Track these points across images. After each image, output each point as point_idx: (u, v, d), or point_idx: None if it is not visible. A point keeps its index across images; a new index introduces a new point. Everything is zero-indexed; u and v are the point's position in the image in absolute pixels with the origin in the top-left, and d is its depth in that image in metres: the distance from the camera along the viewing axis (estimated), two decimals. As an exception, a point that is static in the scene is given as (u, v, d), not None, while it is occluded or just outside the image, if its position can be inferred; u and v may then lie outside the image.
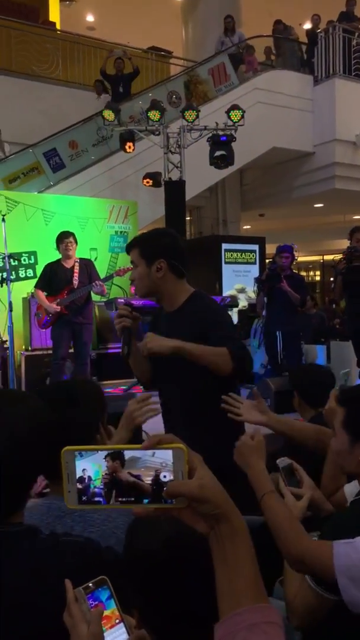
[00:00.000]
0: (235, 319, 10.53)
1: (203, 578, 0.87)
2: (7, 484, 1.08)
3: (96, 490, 0.77)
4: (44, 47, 11.85)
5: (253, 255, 12.73)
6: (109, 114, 8.25)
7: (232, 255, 12.46)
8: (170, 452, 0.76)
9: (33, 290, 6.41)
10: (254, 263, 12.67)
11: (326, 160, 11.60)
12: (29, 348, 7.06)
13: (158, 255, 2.32)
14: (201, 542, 0.80)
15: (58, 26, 14.53)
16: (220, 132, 8.26)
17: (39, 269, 6.67)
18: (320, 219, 16.19)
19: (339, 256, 6.21)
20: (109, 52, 10.69)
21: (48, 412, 1.23)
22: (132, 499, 0.77)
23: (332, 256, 10.35)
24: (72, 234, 6.15)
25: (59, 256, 6.17)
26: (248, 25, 12.51)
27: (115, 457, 0.76)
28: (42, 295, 6.06)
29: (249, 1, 13.38)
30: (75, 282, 6.00)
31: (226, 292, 11.42)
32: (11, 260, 6.02)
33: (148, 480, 0.76)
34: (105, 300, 7.40)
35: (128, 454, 0.76)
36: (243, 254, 12.59)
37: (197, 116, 8.21)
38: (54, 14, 15.21)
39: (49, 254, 6.87)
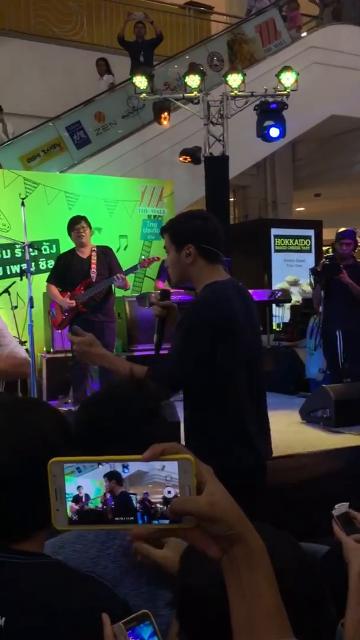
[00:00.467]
0: (287, 316, 10.46)
1: None
2: (35, 493, 1.10)
3: (95, 510, 0.76)
4: (65, 5, 11.98)
5: (308, 242, 12.61)
6: (140, 81, 8.29)
7: (283, 242, 12.37)
8: (175, 463, 0.75)
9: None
10: (309, 251, 12.56)
11: (394, 129, 11.42)
12: (51, 350, 7.15)
13: (187, 240, 2.43)
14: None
15: (82, -19, 14.65)
16: (270, 99, 8.20)
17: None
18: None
19: None
20: (128, 15, 10.58)
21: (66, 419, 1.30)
22: (131, 518, 0.76)
23: None
24: (84, 218, 6.08)
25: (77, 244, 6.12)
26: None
27: (111, 476, 0.76)
28: (55, 290, 6.03)
29: None
30: (93, 274, 5.94)
31: (276, 285, 11.33)
32: (30, 249, 6.06)
33: (157, 499, 0.75)
34: (137, 295, 7.43)
35: (133, 469, 0.75)
36: (296, 240, 12.49)
37: (243, 81, 8.17)
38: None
39: (72, 243, 6.94)
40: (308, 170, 13.68)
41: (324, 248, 12.05)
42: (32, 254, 6.32)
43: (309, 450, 4.67)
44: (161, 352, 2.63)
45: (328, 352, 6.90)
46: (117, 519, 0.76)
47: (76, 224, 6.00)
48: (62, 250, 7.55)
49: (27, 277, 5.71)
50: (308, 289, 11.89)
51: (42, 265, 7.77)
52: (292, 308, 10.43)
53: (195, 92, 8.22)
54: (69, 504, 0.76)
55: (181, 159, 8.58)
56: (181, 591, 0.97)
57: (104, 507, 0.76)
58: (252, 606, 0.75)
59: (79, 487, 0.76)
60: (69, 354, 6.48)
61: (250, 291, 8.56)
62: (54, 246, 7.88)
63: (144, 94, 8.48)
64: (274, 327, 10.24)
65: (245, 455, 2.41)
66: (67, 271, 6.01)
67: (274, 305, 9.75)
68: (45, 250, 7.75)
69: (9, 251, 7.68)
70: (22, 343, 6.77)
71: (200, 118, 8.39)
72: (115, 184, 8.65)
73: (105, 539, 1.40)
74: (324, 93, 10.59)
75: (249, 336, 2.46)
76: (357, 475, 4.23)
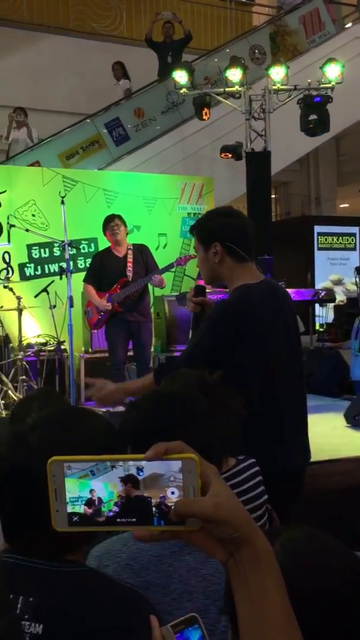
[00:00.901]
0: (331, 316, 10.37)
1: None
2: None
3: (109, 514, 0.75)
4: (105, 0, 12.08)
5: (352, 240, 12.48)
6: (180, 76, 8.31)
7: (326, 239, 12.27)
8: (179, 463, 0.74)
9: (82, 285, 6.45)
10: (354, 249, 12.43)
11: None
12: (89, 350, 7.22)
13: (213, 238, 2.44)
14: None
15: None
16: (314, 92, 8.14)
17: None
18: None
19: None
20: (155, 15, 10.57)
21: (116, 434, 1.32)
22: (133, 519, 0.75)
23: None
24: (118, 216, 6.12)
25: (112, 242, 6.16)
26: None
27: (127, 480, 0.75)
28: (92, 291, 6.07)
29: None
30: (130, 273, 5.97)
31: (319, 284, 11.25)
32: (69, 248, 6.14)
33: (172, 502, 0.74)
34: (177, 294, 7.45)
35: (148, 471, 0.74)
36: (340, 238, 12.37)
37: (286, 74, 8.12)
38: None
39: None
40: (353, 166, 13.53)
41: (370, 246, 11.91)
42: (71, 252, 6.39)
43: (354, 455, 4.62)
44: None
45: (374, 354, 6.82)
46: (118, 520, 0.75)
47: (110, 222, 6.05)
48: (101, 248, 7.62)
49: (66, 276, 5.78)
50: (353, 288, 11.75)
51: (81, 264, 7.84)
52: (336, 308, 10.33)
53: (236, 87, 8.20)
54: (82, 508, 0.76)
55: (222, 155, 8.57)
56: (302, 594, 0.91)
57: (115, 510, 0.75)
58: (261, 610, 0.74)
59: (91, 491, 0.75)
60: (107, 354, 6.54)
61: (293, 291, 8.56)
62: (92, 245, 7.95)
63: (184, 89, 8.50)
64: (317, 327, 10.15)
65: (280, 459, 2.40)
66: (104, 270, 6.06)
67: (317, 305, 9.67)
68: (83, 248, 7.82)
69: (47, 250, 7.78)
70: (61, 343, 6.88)
71: (241, 113, 8.37)
72: (155, 181, 8.69)
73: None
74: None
75: (277, 341, 2.44)
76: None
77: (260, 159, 8.28)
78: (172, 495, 0.74)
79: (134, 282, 5.93)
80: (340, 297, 10.89)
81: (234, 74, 8.11)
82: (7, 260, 7.64)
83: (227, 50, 10.39)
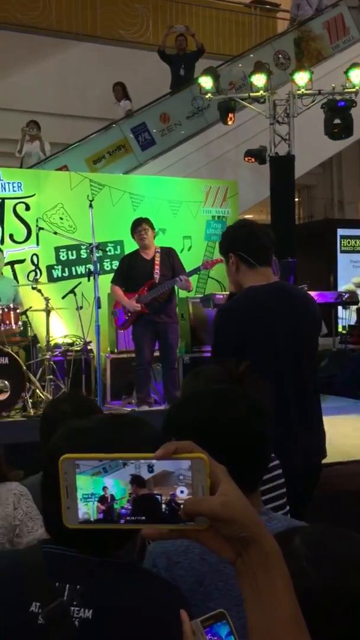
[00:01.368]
0: (353, 318, 10.29)
1: None
2: None
3: (122, 511, 0.75)
4: (132, 7, 12.13)
5: (375, 243, 12.38)
6: (206, 81, 8.32)
7: (349, 242, 12.19)
8: (188, 462, 0.74)
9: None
10: (377, 252, 12.33)
11: None
12: (115, 350, 7.26)
13: (228, 250, 2.65)
14: None
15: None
16: (338, 97, 8.11)
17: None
18: None
19: None
20: (168, 28, 10.46)
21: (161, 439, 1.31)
22: (143, 518, 0.75)
23: None
24: (146, 220, 6.17)
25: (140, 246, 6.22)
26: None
27: (133, 480, 0.74)
28: (120, 292, 6.13)
29: None
30: (157, 275, 6.01)
31: (342, 287, 11.16)
32: (96, 251, 6.18)
33: (182, 499, 0.74)
34: (201, 296, 7.46)
35: (158, 469, 0.74)
36: (363, 241, 12.28)
37: (310, 79, 8.10)
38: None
39: (136, 244, 7.03)
40: (376, 169, 13.43)
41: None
42: (98, 255, 6.44)
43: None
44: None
45: None
46: (128, 519, 0.75)
47: (138, 226, 6.10)
48: (127, 251, 7.66)
49: (93, 278, 5.81)
50: (375, 290, 11.67)
51: (107, 266, 7.89)
52: (359, 310, 10.25)
53: (261, 92, 8.20)
54: (95, 504, 0.75)
55: (246, 159, 8.57)
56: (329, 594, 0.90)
57: (128, 507, 0.75)
58: (269, 610, 0.74)
59: (104, 488, 0.75)
60: (133, 355, 6.57)
61: (316, 293, 8.52)
62: (118, 247, 7.99)
63: (209, 94, 8.51)
64: (340, 329, 10.08)
65: (290, 456, 2.40)
66: (131, 272, 6.10)
67: (339, 308, 9.61)
68: (110, 251, 7.87)
69: (74, 252, 7.84)
70: (88, 343, 6.92)
71: (265, 117, 8.36)
72: (179, 184, 8.71)
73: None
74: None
75: (283, 339, 2.54)
76: None
77: (284, 163, 8.26)
78: (182, 494, 0.74)
79: (160, 284, 5.97)
80: (363, 300, 10.79)
81: (259, 79, 8.11)
82: (36, 262, 7.72)
83: (252, 55, 10.39)
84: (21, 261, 7.65)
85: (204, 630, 0.97)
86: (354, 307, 9.93)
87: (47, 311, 6.55)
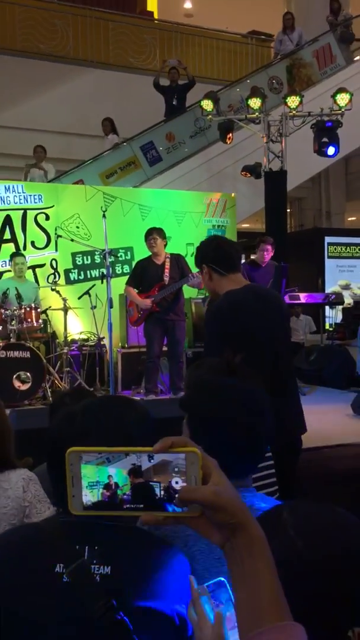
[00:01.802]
0: (339, 317, 10.28)
1: None
2: None
3: (124, 497, 0.75)
4: (141, 37, 12.12)
5: (359, 249, 12.35)
6: (207, 104, 8.30)
7: (335, 249, 12.17)
8: (183, 456, 0.74)
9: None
10: (360, 257, 12.31)
11: None
12: (125, 345, 7.25)
13: (201, 263, 2.78)
14: None
15: (155, 15, 14.77)
16: (326, 118, 8.08)
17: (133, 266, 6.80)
18: None
19: None
20: (163, 62, 10.42)
21: (151, 417, 1.32)
22: (141, 505, 0.75)
23: None
24: (156, 230, 6.23)
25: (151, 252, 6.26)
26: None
27: (130, 471, 0.74)
28: (133, 292, 6.17)
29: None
30: (166, 278, 6.07)
31: (329, 289, 11.15)
32: (109, 256, 6.18)
33: (179, 486, 0.74)
34: (202, 297, 7.46)
35: (158, 457, 0.74)
36: (348, 247, 12.27)
37: (301, 102, 8.07)
38: (152, 3, 15.49)
39: (145, 250, 7.02)
40: (360, 183, 13.39)
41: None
42: (110, 260, 6.44)
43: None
44: None
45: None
46: (128, 506, 0.75)
47: (149, 236, 6.17)
48: (136, 256, 7.67)
49: (106, 280, 5.82)
50: (359, 292, 11.65)
51: (119, 270, 7.89)
52: (344, 310, 10.25)
53: (256, 113, 8.17)
54: (100, 491, 0.75)
55: (243, 174, 8.55)
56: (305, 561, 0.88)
57: (130, 494, 0.75)
58: (254, 591, 0.73)
59: (109, 476, 0.75)
60: (143, 349, 6.57)
61: (306, 294, 8.46)
62: (128, 253, 7.99)
63: (210, 116, 8.49)
64: (327, 327, 10.08)
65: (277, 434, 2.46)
66: (144, 275, 6.15)
67: (327, 307, 9.60)
68: (121, 256, 7.86)
69: (89, 257, 7.84)
70: (101, 339, 6.92)
71: (261, 136, 8.34)
72: (183, 197, 8.69)
73: None
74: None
75: (261, 333, 2.61)
76: None
77: (277, 177, 8.24)
78: (176, 485, 0.74)
79: (169, 286, 6.03)
80: (348, 300, 10.79)
81: (255, 102, 8.09)
82: (55, 266, 7.72)
83: (248, 81, 10.37)
84: (41, 265, 7.66)
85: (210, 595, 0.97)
86: (339, 307, 9.94)
87: (65, 310, 6.56)
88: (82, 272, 7.85)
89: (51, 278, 7.57)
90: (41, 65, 10.86)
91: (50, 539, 1.18)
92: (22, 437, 2.28)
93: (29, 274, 7.23)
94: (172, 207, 8.44)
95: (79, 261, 7.85)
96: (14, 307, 6.12)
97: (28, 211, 7.65)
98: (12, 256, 6.90)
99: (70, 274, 7.80)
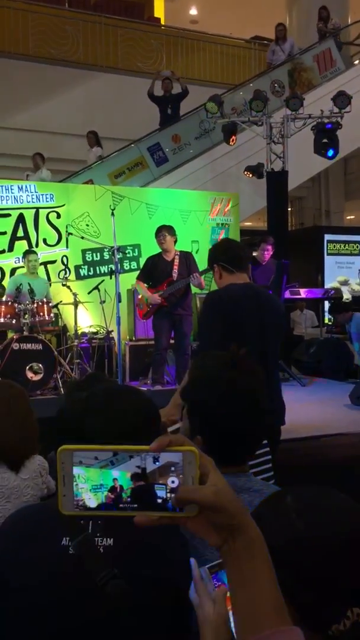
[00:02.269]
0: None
1: None
2: None
3: (129, 499, 0.70)
4: (148, 43, 12.06)
5: (357, 247, 12.31)
6: (212, 107, 8.26)
7: (335, 246, 12.12)
8: (180, 454, 0.69)
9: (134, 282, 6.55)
10: (358, 254, 12.26)
11: None
12: (133, 338, 7.25)
13: (213, 262, 2.91)
14: None
15: (162, 22, 14.70)
16: (326, 120, 8.02)
17: (142, 262, 6.81)
18: None
19: None
20: (156, 73, 10.26)
21: (156, 407, 1.32)
22: (135, 505, 0.70)
23: None
24: (165, 228, 6.21)
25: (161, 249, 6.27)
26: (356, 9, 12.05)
27: (133, 477, 0.70)
28: (144, 286, 6.19)
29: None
30: (175, 274, 6.07)
31: (328, 285, 11.12)
32: (117, 253, 6.18)
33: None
34: (206, 292, 7.44)
35: (163, 459, 0.69)
36: (347, 245, 12.21)
37: (302, 104, 8.02)
38: (159, 10, 15.42)
39: (152, 247, 7.00)
40: (359, 183, 13.31)
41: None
42: (119, 256, 6.44)
43: (358, 430, 4.58)
44: None
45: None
46: (120, 506, 0.70)
47: (158, 233, 6.19)
48: (144, 253, 7.66)
49: (115, 276, 5.82)
50: (357, 287, 11.61)
51: (126, 266, 7.88)
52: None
53: (259, 116, 8.13)
54: (105, 494, 0.70)
55: (246, 174, 8.52)
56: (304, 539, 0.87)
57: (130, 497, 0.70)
58: (253, 594, 0.69)
59: (114, 479, 0.70)
60: (150, 342, 6.58)
61: (306, 290, 8.46)
62: (136, 250, 7.98)
63: (214, 118, 8.45)
64: (326, 321, 10.05)
65: None
66: (154, 271, 6.16)
67: (326, 302, 9.57)
68: (129, 253, 7.85)
69: (98, 254, 7.84)
70: (110, 332, 6.93)
71: (263, 138, 8.30)
72: (189, 196, 8.67)
73: None
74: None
75: (251, 329, 2.68)
76: None
77: (279, 178, 8.20)
78: (172, 484, 0.69)
79: (177, 282, 6.03)
80: (346, 295, 10.75)
81: (257, 105, 8.04)
82: (65, 263, 7.72)
83: (251, 84, 10.30)
84: (53, 262, 7.66)
85: (211, 575, 0.97)
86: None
87: (75, 304, 6.56)
88: (91, 268, 7.85)
89: (62, 274, 7.58)
90: (53, 70, 10.82)
91: (57, 515, 1.17)
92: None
93: (41, 270, 7.23)
94: (178, 206, 8.41)
95: (89, 258, 7.85)
96: (27, 302, 6.13)
97: (40, 210, 7.65)
98: (25, 253, 6.90)
99: (80, 270, 7.80)
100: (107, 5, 12.52)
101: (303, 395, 6.24)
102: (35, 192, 7.67)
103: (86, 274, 7.81)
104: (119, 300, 5.85)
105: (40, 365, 5.98)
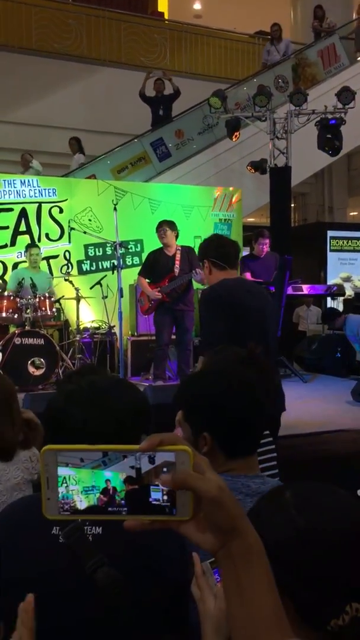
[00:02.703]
0: (340, 307, 10.23)
1: None
2: None
3: (122, 502, 0.66)
4: (152, 37, 12.01)
5: (360, 243, 12.28)
6: (215, 102, 8.23)
7: (337, 242, 12.09)
8: (172, 454, 0.65)
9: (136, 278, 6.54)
10: (361, 251, 12.23)
11: None
12: (135, 333, 7.25)
13: (203, 257, 2.94)
14: None
15: (166, 16, 14.64)
16: (330, 116, 7.98)
17: (145, 257, 6.80)
18: None
19: None
20: (148, 73, 10.07)
21: (148, 403, 1.30)
22: (126, 508, 0.66)
23: None
24: (166, 222, 6.19)
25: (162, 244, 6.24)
26: None
27: (128, 481, 0.66)
28: (144, 282, 6.18)
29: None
30: (177, 269, 6.05)
31: (331, 281, 11.10)
32: (119, 248, 6.17)
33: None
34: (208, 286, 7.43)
35: (159, 459, 0.65)
36: (350, 241, 12.17)
37: (306, 100, 7.98)
38: (163, 4, 15.36)
39: (154, 242, 6.98)
40: (362, 179, 13.29)
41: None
42: (121, 251, 6.44)
43: None
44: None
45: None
46: (109, 509, 0.66)
47: (159, 228, 6.18)
48: (146, 248, 7.64)
49: (117, 271, 5.82)
50: (359, 284, 11.59)
51: (129, 261, 7.87)
52: (345, 301, 10.19)
53: (262, 111, 8.10)
54: (97, 496, 0.66)
55: (249, 169, 8.49)
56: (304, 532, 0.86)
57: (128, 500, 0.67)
58: (251, 604, 0.64)
59: (107, 481, 0.66)
60: (152, 337, 6.57)
61: (309, 286, 8.48)
62: (138, 245, 7.97)
63: (217, 113, 8.42)
64: (328, 317, 10.03)
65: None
66: (155, 266, 6.15)
67: (329, 299, 9.55)
68: (131, 248, 7.84)
69: (100, 249, 7.83)
70: (112, 327, 6.93)
71: (266, 133, 8.26)
72: (191, 191, 8.65)
73: None
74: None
75: (248, 320, 2.72)
76: None
77: (282, 173, 8.17)
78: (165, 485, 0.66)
79: (179, 277, 6.01)
80: (349, 292, 10.74)
81: (261, 100, 8.01)
82: (68, 258, 7.72)
83: (255, 79, 10.26)
84: (55, 257, 7.65)
85: (212, 570, 0.96)
86: (341, 298, 9.88)
87: (77, 299, 6.56)
88: (94, 263, 7.84)
89: (64, 269, 7.57)
90: (56, 64, 10.79)
91: None
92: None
93: (43, 265, 7.23)
94: (181, 201, 8.39)
95: (91, 253, 7.84)
96: (29, 296, 6.13)
97: (43, 204, 7.64)
98: (28, 247, 6.90)
99: (82, 264, 7.79)
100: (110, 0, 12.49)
101: (305, 392, 6.23)
102: (38, 186, 7.66)
103: (88, 269, 7.80)
104: (121, 296, 5.85)
105: (42, 360, 5.98)
